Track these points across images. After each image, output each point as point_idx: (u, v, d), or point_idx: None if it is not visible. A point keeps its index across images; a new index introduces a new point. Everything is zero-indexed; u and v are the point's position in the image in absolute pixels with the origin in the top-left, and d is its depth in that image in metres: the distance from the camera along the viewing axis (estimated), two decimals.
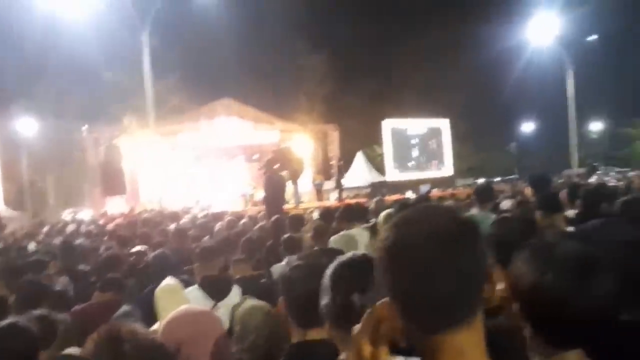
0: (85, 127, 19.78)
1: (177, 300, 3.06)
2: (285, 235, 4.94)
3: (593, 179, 11.11)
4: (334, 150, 23.03)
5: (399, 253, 0.93)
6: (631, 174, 21.69)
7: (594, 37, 29.66)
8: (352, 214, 5.41)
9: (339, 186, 17.08)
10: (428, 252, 0.90)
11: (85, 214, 21.32)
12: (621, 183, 10.49)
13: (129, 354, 1.21)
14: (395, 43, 38.92)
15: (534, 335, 1.26)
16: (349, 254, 1.56)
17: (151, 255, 4.58)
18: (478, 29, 38.78)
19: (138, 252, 5.27)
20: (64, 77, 28.45)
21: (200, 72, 30.47)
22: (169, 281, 2.79)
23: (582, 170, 23.91)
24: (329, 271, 1.52)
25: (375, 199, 7.11)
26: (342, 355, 1.32)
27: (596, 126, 49.42)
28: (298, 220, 6.11)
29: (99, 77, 28.08)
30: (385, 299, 0.97)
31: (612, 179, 12.03)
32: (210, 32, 29.95)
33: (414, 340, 0.96)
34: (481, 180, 39.62)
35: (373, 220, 5.25)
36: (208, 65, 31.49)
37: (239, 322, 2.50)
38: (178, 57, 27.81)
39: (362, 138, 33.62)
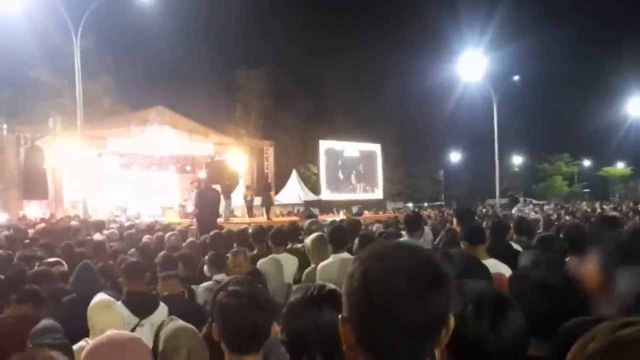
0: (4, 126, 18.61)
1: (112, 316, 2.91)
2: (211, 253, 4.82)
3: (514, 210, 11.67)
4: (269, 166, 22.94)
5: (369, 285, 0.93)
6: (547, 207, 23.07)
7: (517, 77, 31.57)
8: (285, 235, 5.37)
9: (266, 203, 17.10)
10: (397, 289, 0.91)
11: (0, 217, 20.01)
12: (538, 216, 11.14)
13: None
14: (333, 66, 39.66)
15: None
16: (313, 287, 1.54)
17: (78, 266, 4.35)
18: (413, 61, 40.43)
19: (56, 262, 4.97)
20: None
21: (134, 77, 29.65)
22: (102, 296, 2.66)
23: (504, 200, 25.11)
24: (290, 307, 1.51)
25: (309, 220, 7.13)
26: None
27: (517, 160, 52.33)
28: (237, 237, 5.99)
29: (24, 74, 26.70)
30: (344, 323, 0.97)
31: (531, 211, 12.70)
32: (148, 38, 29.30)
33: None
34: (410, 205, 40.83)
35: (302, 245, 5.23)
36: (143, 71, 30.73)
37: (164, 343, 2.41)
38: (112, 60, 26.96)
39: (297, 156, 33.79)
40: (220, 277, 4.42)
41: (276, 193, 25.77)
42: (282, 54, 38.99)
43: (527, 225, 5.35)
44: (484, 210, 20.22)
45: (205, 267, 4.69)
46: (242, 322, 1.67)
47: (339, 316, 0.97)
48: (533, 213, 12.08)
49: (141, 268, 3.72)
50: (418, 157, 45.06)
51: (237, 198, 19.88)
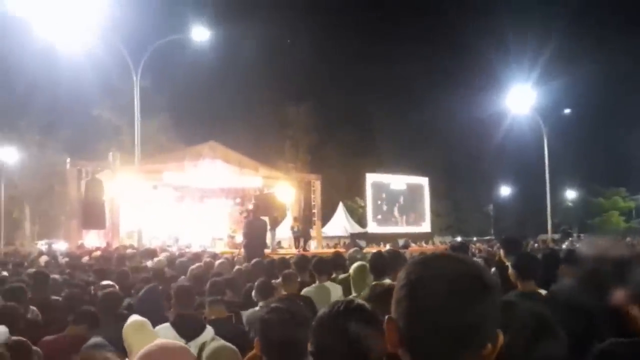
0: (68, 160, 19.59)
1: (146, 335, 3.02)
2: (259, 280, 4.90)
3: (565, 244, 11.26)
4: (316, 199, 23.09)
5: (420, 287, 0.95)
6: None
7: (568, 110, 30.83)
8: (328, 264, 5.40)
9: (304, 235, 17.20)
10: (438, 291, 0.93)
11: (60, 246, 20.87)
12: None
13: None
14: (380, 99, 39.89)
15: None
16: (340, 301, 1.57)
17: (144, 290, 4.51)
18: (461, 94, 40.09)
19: (108, 286, 5.17)
20: (52, 110, 28.56)
21: (188, 114, 30.82)
22: (136, 317, 2.77)
23: (556, 235, 24.23)
24: (321, 318, 1.53)
25: (353, 249, 7.12)
26: None
27: (571, 194, 50.47)
28: (279, 265, 6.07)
29: (86, 113, 28.22)
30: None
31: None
32: (201, 77, 30.49)
33: None
34: (458, 238, 39.95)
35: (346, 275, 5.23)
36: (196, 108, 31.90)
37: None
38: (167, 99, 28.15)
39: (344, 189, 33.89)
40: (265, 303, 4.51)
41: (323, 225, 25.83)
42: (329, 88, 39.70)
43: (576, 256, 5.14)
44: (536, 245, 19.58)
45: (253, 293, 4.79)
46: (282, 337, 1.72)
47: (386, 317, 1.01)
48: None
49: (191, 292, 3.84)
50: (466, 191, 44.32)
51: (285, 230, 20.07)
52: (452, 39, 49.33)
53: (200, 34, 19.96)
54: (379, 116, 40.34)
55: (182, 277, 6.66)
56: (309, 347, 1.50)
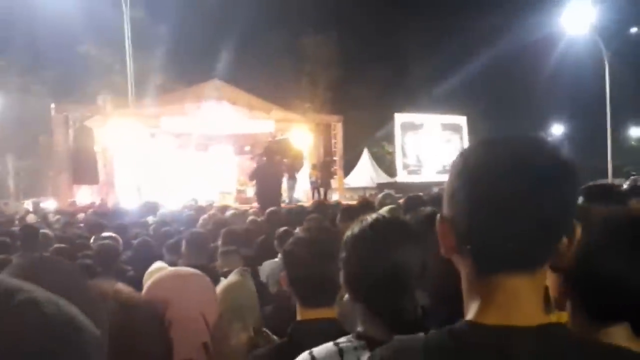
0: (53, 106, 19.68)
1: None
2: (281, 229, 4.95)
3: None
4: (337, 144, 23.01)
5: (483, 172, 0.92)
6: None
7: (635, 29, 29.66)
8: (355, 212, 5.40)
9: (324, 185, 17.42)
10: (518, 179, 0.89)
11: (49, 205, 21.30)
12: None
13: (113, 311, 1.23)
14: (409, 27, 38.93)
15: (576, 311, 1.27)
16: (369, 218, 1.57)
17: (136, 243, 4.60)
18: (504, 17, 38.91)
19: (110, 237, 5.29)
20: (32, 47, 28.54)
21: (188, 49, 30.53)
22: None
23: (618, 181, 23.98)
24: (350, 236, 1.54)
25: (383, 193, 7.10)
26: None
27: (636, 132, 49.57)
28: (297, 215, 6.12)
29: (72, 50, 28.16)
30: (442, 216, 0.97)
31: None
32: (201, 5, 30.00)
33: (463, 275, 0.97)
34: None
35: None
36: (197, 42, 31.55)
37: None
38: (163, 31, 27.88)
39: (369, 133, 33.70)
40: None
41: (345, 175, 25.89)
42: (352, 16, 38.76)
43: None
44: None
45: (276, 242, 4.85)
46: (308, 270, 1.74)
47: (437, 215, 0.99)
48: None
49: (205, 240, 3.90)
50: (512, 130, 43.75)
51: (302, 181, 20.15)
52: None
53: None
54: (410, 47, 39.54)
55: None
56: (342, 277, 1.51)
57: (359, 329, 1.48)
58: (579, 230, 0.93)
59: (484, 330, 0.91)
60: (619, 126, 38.03)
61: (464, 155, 0.97)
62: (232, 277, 3.36)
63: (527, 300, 0.92)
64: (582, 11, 25.19)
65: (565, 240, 0.92)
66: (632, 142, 48.93)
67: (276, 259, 4.63)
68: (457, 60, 38.67)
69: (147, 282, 1.76)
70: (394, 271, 1.43)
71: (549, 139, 0.98)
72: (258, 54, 32.26)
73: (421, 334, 0.98)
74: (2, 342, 0.58)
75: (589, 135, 37.80)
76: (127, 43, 17.63)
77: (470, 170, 0.94)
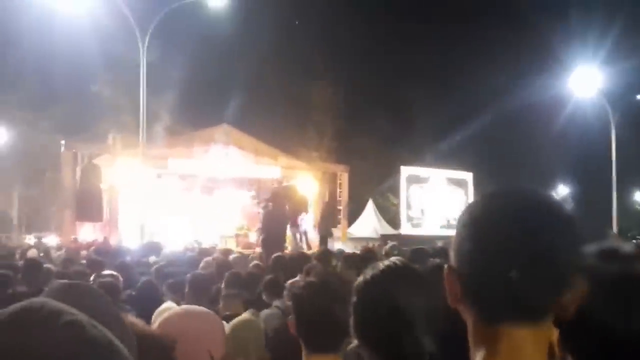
0: (63, 142, 19.94)
1: None
2: (267, 277, 4.95)
3: None
4: (343, 194, 23.11)
5: (487, 224, 0.94)
6: None
7: None
8: (357, 260, 5.41)
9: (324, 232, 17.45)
10: (521, 231, 0.91)
11: (51, 240, 21.27)
12: None
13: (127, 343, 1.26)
14: (417, 83, 39.49)
15: None
16: (380, 264, 1.60)
17: (140, 283, 4.60)
18: (512, 78, 39.54)
19: (110, 275, 5.29)
20: (45, 85, 29.02)
21: (199, 94, 31.00)
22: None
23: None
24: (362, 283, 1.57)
25: (390, 244, 7.11)
26: None
27: None
28: (300, 262, 6.11)
29: (83, 88, 28.62)
30: (450, 268, 0.99)
31: None
32: (214, 52, 30.66)
33: (468, 324, 0.99)
34: None
35: None
36: (207, 87, 32.09)
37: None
38: (175, 76, 28.35)
39: (374, 184, 33.79)
40: (280, 302, 4.58)
41: (349, 225, 25.86)
42: (359, 69, 39.42)
43: None
44: None
45: (263, 293, 4.84)
46: (319, 312, 1.76)
47: (445, 266, 1.01)
48: None
49: (208, 281, 3.92)
50: None
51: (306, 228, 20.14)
52: (502, 13, 48.68)
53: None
54: (417, 101, 39.94)
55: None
56: (352, 323, 1.53)
57: None
58: (582, 284, 0.94)
59: None
60: (624, 190, 38.02)
61: (470, 207, 1.00)
62: (244, 315, 3.38)
63: (530, 351, 0.93)
64: (590, 74, 25.61)
65: (569, 293, 0.93)
66: (637, 207, 48.88)
67: (272, 309, 4.63)
68: (465, 116, 39.05)
69: (158, 319, 1.79)
70: (404, 317, 1.45)
71: (553, 194, 1.01)
72: (266, 102, 32.75)
73: None
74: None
75: (594, 198, 37.78)
76: (142, 84, 17.91)
77: (475, 222, 0.96)
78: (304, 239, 18.25)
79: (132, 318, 1.38)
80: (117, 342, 0.71)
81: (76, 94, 28.69)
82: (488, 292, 0.94)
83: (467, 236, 0.97)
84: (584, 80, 25.80)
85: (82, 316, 0.69)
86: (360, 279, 1.57)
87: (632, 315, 1.23)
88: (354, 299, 1.54)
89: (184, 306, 1.80)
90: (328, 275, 1.98)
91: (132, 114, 22.89)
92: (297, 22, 33.96)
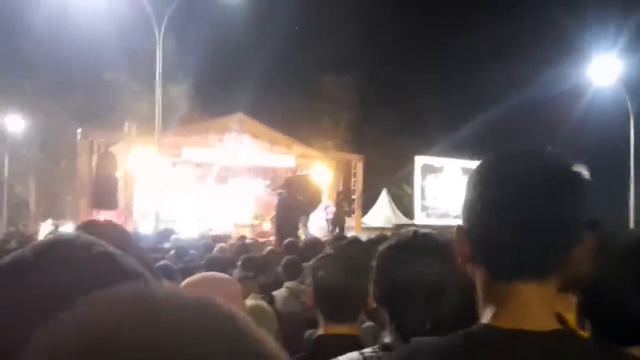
0: (79, 130, 20.11)
1: None
2: (287, 257, 5.02)
3: None
4: (357, 183, 23.10)
5: (496, 183, 0.98)
6: None
7: None
8: (374, 244, 5.48)
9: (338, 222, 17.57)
10: (528, 188, 0.95)
11: (67, 228, 21.53)
12: None
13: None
14: (433, 73, 39.29)
15: (594, 333, 1.32)
16: (399, 234, 1.65)
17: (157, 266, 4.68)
18: (527, 65, 39.12)
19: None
20: (61, 73, 29.23)
21: (213, 82, 31.12)
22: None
23: None
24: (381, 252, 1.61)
25: (404, 230, 7.16)
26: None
27: None
28: (313, 249, 6.18)
29: (99, 76, 28.81)
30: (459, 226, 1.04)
31: None
32: (229, 41, 30.71)
33: (478, 283, 1.03)
34: None
35: None
36: (222, 76, 32.20)
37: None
38: (190, 64, 28.46)
39: (388, 173, 33.73)
40: (293, 284, 4.68)
41: (363, 214, 25.88)
42: (374, 58, 39.27)
43: None
44: None
45: (281, 271, 4.93)
46: (335, 284, 1.82)
47: (456, 226, 1.06)
48: None
49: (224, 264, 4.00)
50: None
51: (319, 218, 20.23)
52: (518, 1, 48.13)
53: None
54: (431, 91, 39.76)
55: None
56: (373, 292, 1.58)
57: (386, 339, 1.54)
58: (589, 241, 0.98)
59: (497, 333, 0.97)
60: None
61: (479, 168, 1.05)
62: (250, 302, 3.45)
63: (538, 307, 0.97)
64: (609, 63, 25.31)
65: (576, 249, 0.97)
66: None
67: (283, 290, 4.73)
68: (480, 106, 38.81)
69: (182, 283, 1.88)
70: (425, 284, 1.50)
71: (559, 152, 1.06)
72: (281, 91, 32.79)
73: (437, 337, 1.04)
74: (78, 288, 0.63)
75: (612, 189, 37.32)
76: (158, 72, 18.00)
77: (484, 182, 1.01)
78: (329, 227, 18.43)
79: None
80: (147, 273, 0.77)
81: (92, 82, 28.90)
82: (496, 251, 0.99)
83: (476, 196, 1.01)
84: (602, 70, 25.51)
85: (112, 248, 0.76)
86: (384, 245, 1.63)
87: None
88: (375, 264, 1.60)
89: (204, 273, 1.87)
90: (348, 244, 2.05)
91: (147, 102, 23.03)
92: (296, 28, 33.82)
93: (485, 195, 1.00)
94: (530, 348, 0.95)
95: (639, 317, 1.26)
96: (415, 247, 1.56)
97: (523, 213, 0.96)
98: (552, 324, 0.98)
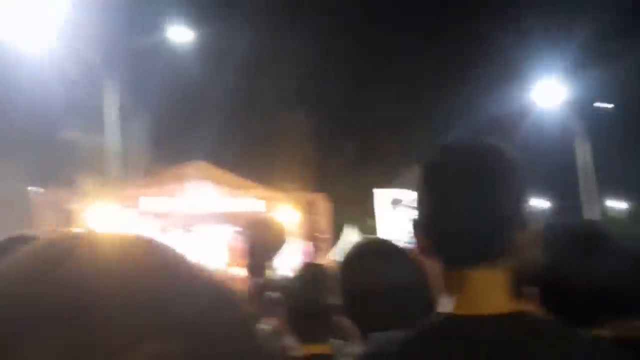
0: (40, 190, 19.59)
1: None
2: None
3: None
4: (323, 222, 23.00)
5: (439, 174, 1.04)
6: None
7: (608, 105, 30.71)
8: None
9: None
10: (469, 177, 1.00)
11: None
12: None
13: None
14: (383, 101, 39.72)
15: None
16: (360, 242, 1.67)
17: None
18: (476, 92, 40.12)
19: None
20: (8, 131, 28.39)
21: (171, 131, 30.65)
22: None
23: None
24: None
25: None
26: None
27: (617, 205, 49.54)
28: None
29: (50, 134, 28.08)
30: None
31: None
32: (183, 88, 30.55)
33: (435, 274, 1.07)
34: None
35: None
36: (177, 123, 31.83)
37: None
38: (144, 115, 28.13)
39: (351, 207, 33.67)
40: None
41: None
42: (325, 92, 39.65)
43: None
44: None
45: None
46: (305, 302, 1.84)
47: (412, 219, 1.10)
48: None
49: None
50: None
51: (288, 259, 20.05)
52: (465, 29, 49.52)
53: (181, 34, 20.02)
54: (385, 122, 40.27)
55: None
56: (342, 302, 1.58)
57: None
58: (532, 229, 1.04)
59: (454, 321, 1.01)
60: (594, 200, 38.56)
61: (425, 161, 1.09)
62: None
63: (493, 291, 1.02)
64: (554, 86, 26.30)
65: (521, 235, 1.02)
66: (607, 215, 49.36)
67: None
68: (431, 135, 39.37)
69: None
70: (387, 284, 1.52)
71: (499, 141, 1.11)
72: (240, 133, 32.69)
73: (396, 331, 1.06)
74: None
75: (563, 209, 38.24)
76: (108, 126, 17.83)
77: (429, 173, 1.07)
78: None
79: None
80: None
81: (42, 140, 28.15)
82: (446, 241, 1.04)
83: (424, 190, 1.07)
84: (547, 92, 26.46)
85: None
86: (342, 262, 1.70)
87: (589, 269, 1.33)
88: (339, 277, 1.62)
89: None
90: (316, 267, 2.07)
91: (102, 157, 22.56)
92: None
93: (432, 188, 1.06)
94: (488, 331, 0.97)
95: (591, 301, 1.32)
96: (373, 249, 1.61)
97: (466, 202, 1.01)
98: (509, 307, 1.02)
